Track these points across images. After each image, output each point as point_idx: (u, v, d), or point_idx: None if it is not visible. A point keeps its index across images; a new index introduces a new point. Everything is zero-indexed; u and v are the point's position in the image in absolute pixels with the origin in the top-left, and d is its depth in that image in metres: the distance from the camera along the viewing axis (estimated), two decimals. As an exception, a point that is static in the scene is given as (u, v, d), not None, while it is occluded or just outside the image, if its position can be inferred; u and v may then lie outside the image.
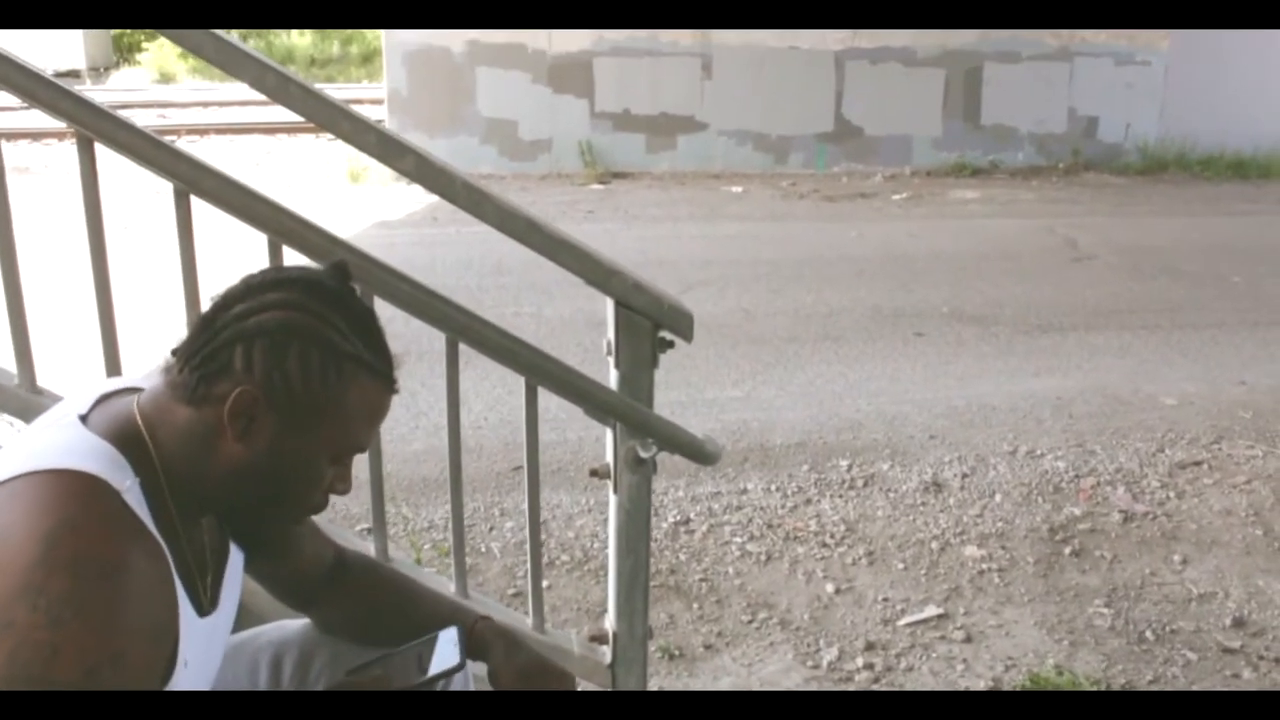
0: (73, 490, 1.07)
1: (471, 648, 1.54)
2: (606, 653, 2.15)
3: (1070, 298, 6.40)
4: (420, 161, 1.80)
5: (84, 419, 1.18)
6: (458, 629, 1.47)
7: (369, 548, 2.07)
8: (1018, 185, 10.26)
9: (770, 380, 4.96)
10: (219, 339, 1.15)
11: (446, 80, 10.08)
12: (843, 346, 5.44)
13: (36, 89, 1.71)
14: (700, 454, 1.97)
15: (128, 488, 1.11)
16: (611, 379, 1.96)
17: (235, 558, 1.38)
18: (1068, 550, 3.43)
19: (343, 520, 3.36)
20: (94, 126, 1.75)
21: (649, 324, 1.90)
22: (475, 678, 1.61)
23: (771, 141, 10.60)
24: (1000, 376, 5.07)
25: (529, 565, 2.14)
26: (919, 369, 5.15)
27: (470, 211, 1.83)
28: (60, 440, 1.14)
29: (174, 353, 1.20)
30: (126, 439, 1.16)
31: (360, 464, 3.77)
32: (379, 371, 1.22)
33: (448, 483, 3.73)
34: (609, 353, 1.95)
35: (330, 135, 1.80)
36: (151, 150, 1.76)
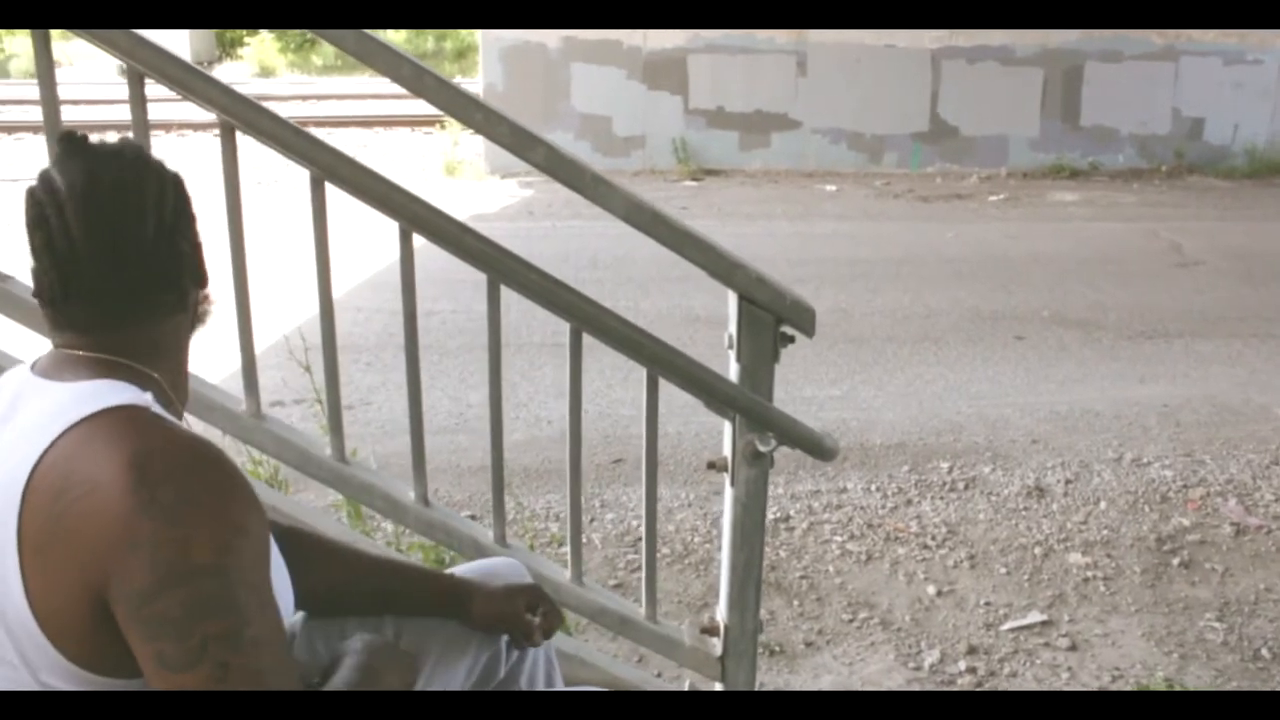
0: (122, 420, 1.14)
1: (450, 607, 1.61)
2: (717, 645, 2.16)
3: (1176, 303, 6.25)
4: (551, 153, 1.82)
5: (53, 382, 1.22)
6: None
7: (486, 533, 2.11)
8: (1118, 188, 10.03)
9: (869, 380, 4.92)
10: (147, 269, 1.22)
11: (542, 76, 10.17)
12: (942, 348, 5.38)
13: (187, 79, 1.77)
14: (819, 449, 1.97)
15: (149, 401, 1.18)
16: (731, 372, 1.96)
17: None
18: (1176, 561, 3.35)
19: (448, 506, 3.42)
20: (239, 115, 1.81)
21: (771, 318, 1.91)
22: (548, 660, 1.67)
23: (866, 140, 10.51)
24: (1104, 382, 4.97)
25: (644, 556, 2.16)
26: (1020, 372, 5.07)
27: (598, 203, 1.84)
28: (61, 399, 1.16)
29: (51, 303, 1.22)
30: (108, 372, 1.20)
31: (474, 454, 3.78)
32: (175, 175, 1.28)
33: (550, 473, 3.81)
34: (730, 346, 1.96)
35: (463, 127, 1.84)
36: (293, 138, 1.81)
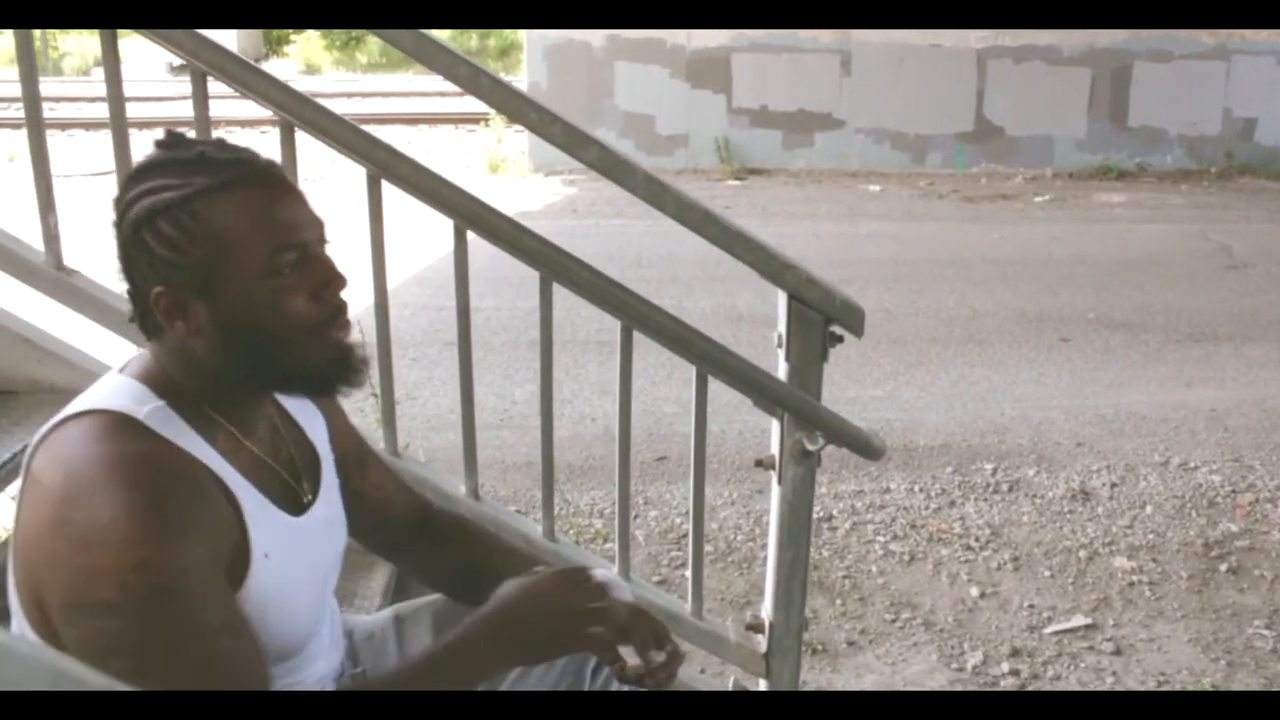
0: (83, 430, 1.14)
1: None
2: (762, 642, 2.18)
3: (1225, 307, 6.17)
4: (603, 152, 1.84)
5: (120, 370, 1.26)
6: None
7: (535, 528, 2.13)
8: (1166, 189, 9.91)
9: (913, 381, 4.91)
10: (123, 278, 1.22)
11: (586, 74, 10.20)
12: (987, 350, 5.36)
13: (249, 78, 1.82)
14: (867, 449, 1.98)
15: (146, 412, 1.17)
16: (780, 371, 1.98)
17: (327, 455, 1.43)
18: (1224, 567, 3.32)
19: (495, 501, 3.45)
20: (298, 113, 1.85)
21: (821, 318, 1.92)
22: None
23: (910, 140, 10.45)
24: (1150, 385, 4.93)
25: (691, 552, 2.17)
26: (1065, 375, 5.04)
27: (650, 202, 1.87)
28: (90, 392, 1.22)
29: None
30: (147, 375, 1.22)
31: (519, 449, 3.82)
32: (228, 180, 1.19)
33: (594, 470, 3.83)
34: (779, 345, 1.97)
35: (517, 126, 1.87)
36: (351, 136, 1.85)
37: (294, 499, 1.33)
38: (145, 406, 1.17)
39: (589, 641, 1.33)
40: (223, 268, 1.17)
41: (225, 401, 1.25)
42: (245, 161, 1.21)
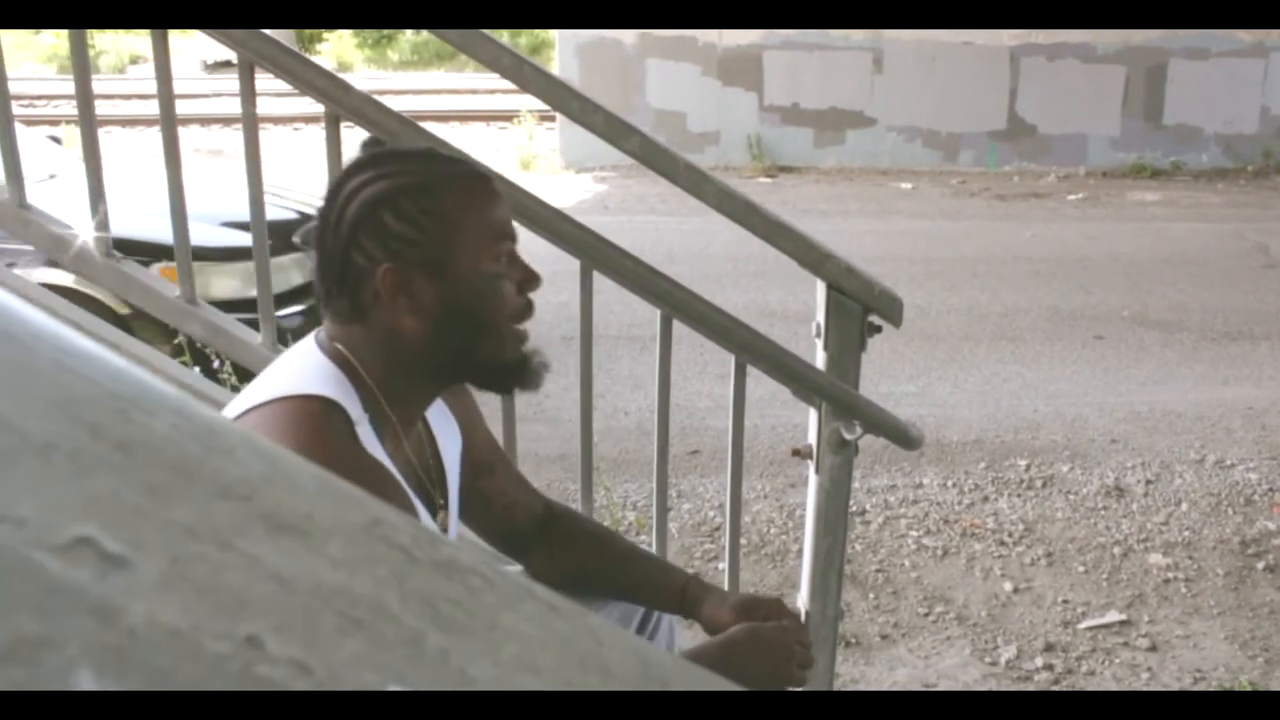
0: (297, 422, 1.18)
1: (685, 606, 1.60)
2: (798, 631, 2.18)
3: (1261, 306, 6.12)
4: (645, 142, 1.86)
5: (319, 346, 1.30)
6: None
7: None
8: (1202, 188, 9.83)
9: (945, 377, 4.90)
10: (336, 260, 1.23)
11: (617, 72, 10.22)
12: (1019, 346, 5.34)
13: (297, 67, 1.84)
14: (904, 438, 1.99)
15: (362, 420, 1.22)
16: (819, 360, 1.99)
17: (453, 467, 1.46)
18: (1261, 565, 3.30)
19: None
20: (344, 103, 1.87)
21: (859, 308, 1.93)
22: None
23: (941, 138, 10.42)
24: (1186, 383, 4.90)
25: (728, 542, 2.19)
26: (1099, 372, 5.01)
27: (691, 192, 1.88)
28: (292, 368, 1.26)
29: (317, 296, 1.29)
30: (340, 359, 1.26)
31: (552, 442, 3.84)
32: (460, 174, 1.27)
33: (627, 463, 3.85)
34: (817, 335, 1.98)
35: (560, 117, 1.88)
36: (396, 126, 1.87)
37: (431, 506, 1.38)
38: (352, 401, 1.22)
39: (795, 681, 1.53)
40: (456, 249, 1.24)
41: (405, 394, 1.30)
42: (471, 161, 1.33)
